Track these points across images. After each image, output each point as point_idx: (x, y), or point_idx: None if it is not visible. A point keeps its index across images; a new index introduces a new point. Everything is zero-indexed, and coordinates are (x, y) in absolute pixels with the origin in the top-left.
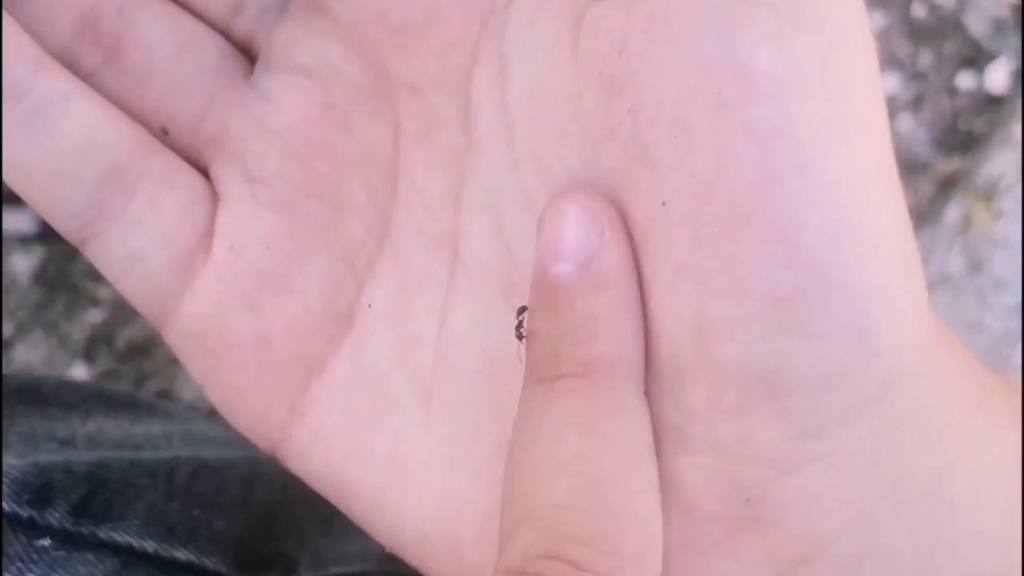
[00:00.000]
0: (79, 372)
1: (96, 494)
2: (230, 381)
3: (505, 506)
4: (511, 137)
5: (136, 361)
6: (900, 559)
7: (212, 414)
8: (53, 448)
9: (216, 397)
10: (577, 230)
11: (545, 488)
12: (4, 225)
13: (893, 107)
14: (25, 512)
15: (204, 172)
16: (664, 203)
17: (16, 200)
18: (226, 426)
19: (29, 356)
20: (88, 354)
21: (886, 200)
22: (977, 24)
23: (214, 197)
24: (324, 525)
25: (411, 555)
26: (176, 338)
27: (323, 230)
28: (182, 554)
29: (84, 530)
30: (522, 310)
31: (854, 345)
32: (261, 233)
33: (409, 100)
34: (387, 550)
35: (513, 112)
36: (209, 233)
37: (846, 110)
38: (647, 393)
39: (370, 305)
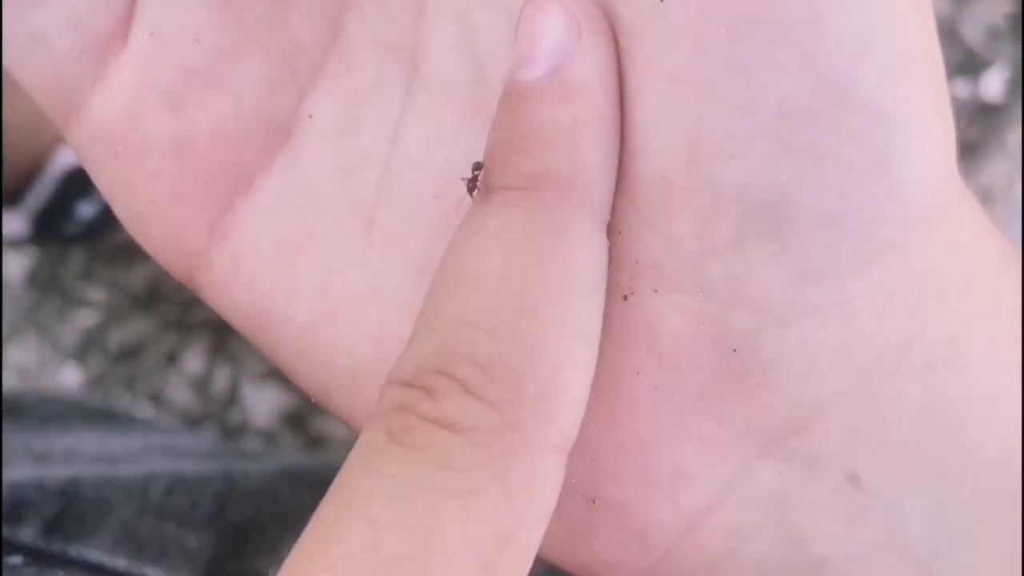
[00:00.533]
0: (71, 374)
1: (68, 511)
2: (142, 192)
3: (417, 318)
4: None
5: (128, 363)
6: (899, 435)
7: (200, 420)
8: (29, 464)
9: (125, 213)
10: (551, 32)
11: (455, 302)
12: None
13: None
14: None
15: None
16: (661, 0)
17: (8, 202)
18: (209, 437)
19: (22, 357)
20: (80, 356)
21: (918, 14)
22: (972, 32)
23: None
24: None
25: (339, 406)
26: (81, 139)
27: (262, 26)
28: (153, 572)
29: (55, 548)
30: (477, 166)
31: (873, 176)
32: (189, 21)
33: None
34: (311, 399)
35: None
36: (128, 18)
37: None
38: (622, 222)
39: (311, 116)
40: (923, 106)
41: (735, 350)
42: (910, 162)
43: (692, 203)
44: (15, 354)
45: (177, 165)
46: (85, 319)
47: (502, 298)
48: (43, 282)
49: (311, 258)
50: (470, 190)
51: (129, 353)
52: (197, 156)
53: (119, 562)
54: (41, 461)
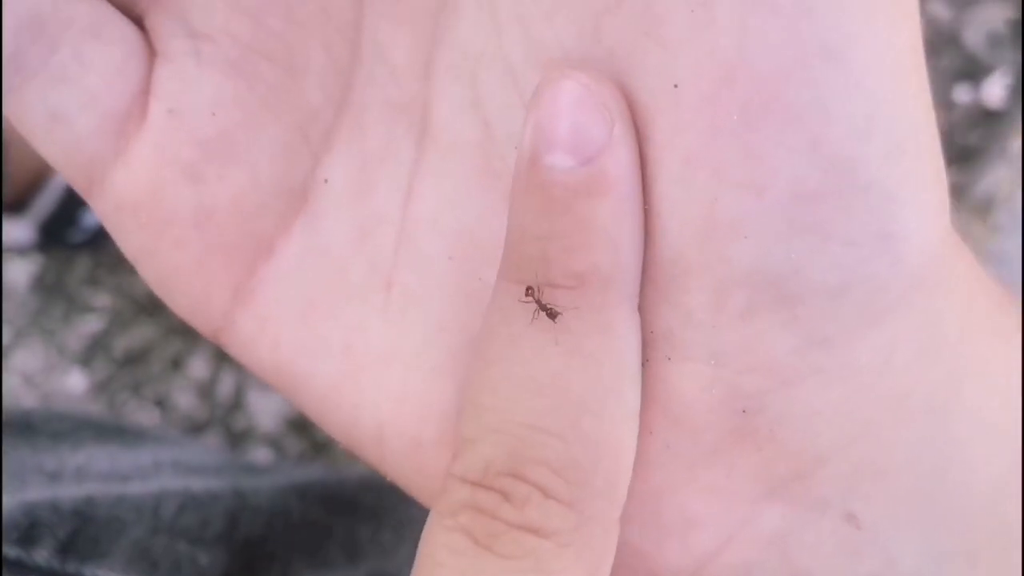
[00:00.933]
0: (76, 379)
1: (82, 531)
2: (167, 260)
3: (469, 410)
4: None
5: (133, 368)
6: (898, 477)
7: (205, 426)
8: (42, 482)
9: (152, 277)
10: (579, 117)
11: (519, 403)
12: (3, 235)
13: None
14: (13, 552)
15: (140, 23)
16: (676, 85)
17: (14, 210)
18: (216, 444)
19: (27, 363)
20: (85, 361)
21: (917, 93)
22: (974, 38)
23: (151, 53)
24: (309, 556)
25: (368, 455)
26: (106, 209)
27: (275, 95)
28: None
29: (70, 568)
30: (528, 291)
31: (878, 250)
32: (205, 96)
33: None
34: (343, 447)
35: None
36: (145, 93)
37: None
38: (641, 295)
39: (326, 181)
40: (922, 180)
41: (744, 411)
42: (911, 235)
43: (706, 278)
44: (21, 359)
45: (199, 234)
46: (90, 325)
47: (566, 401)
48: (48, 288)
49: (333, 319)
50: (544, 310)
51: (134, 359)
52: (218, 225)
53: None
54: (53, 480)
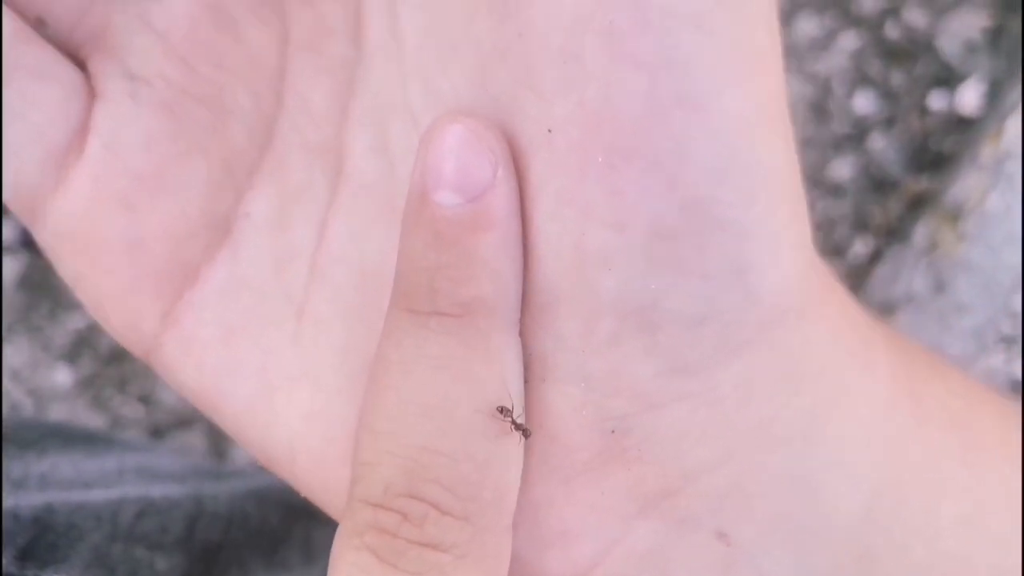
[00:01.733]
0: (62, 375)
1: (41, 538)
2: (101, 285)
3: (366, 435)
4: (401, 51)
5: (118, 365)
6: (763, 500)
7: (190, 421)
8: (7, 490)
9: (87, 300)
10: (466, 158)
11: (412, 427)
12: None
13: (865, 126)
14: None
15: (82, 67)
16: (550, 131)
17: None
18: (185, 449)
19: (13, 359)
20: (71, 358)
21: (775, 140)
22: (949, 45)
23: (91, 93)
24: (267, 559)
25: (282, 470)
26: (46, 237)
27: (204, 134)
28: None
29: (28, 573)
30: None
31: (732, 285)
32: (139, 133)
33: (299, 7)
34: (261, 463)
35: (404, 25)
36: (84, 130)
37: (740, 46)
38: (521, 321)
39: (248, 214)
40: (778, 220)
41: (613, 431)
42: (765, 272)
43: (576, 307)
44: (7, 355)
45: (130, 261)
46: (76, 321)
47: (455, 424)
48: (35, 285)
49: (250, 343)
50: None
51: (120, 355)
52: (148, 253)
53: None
54: (17, 487)
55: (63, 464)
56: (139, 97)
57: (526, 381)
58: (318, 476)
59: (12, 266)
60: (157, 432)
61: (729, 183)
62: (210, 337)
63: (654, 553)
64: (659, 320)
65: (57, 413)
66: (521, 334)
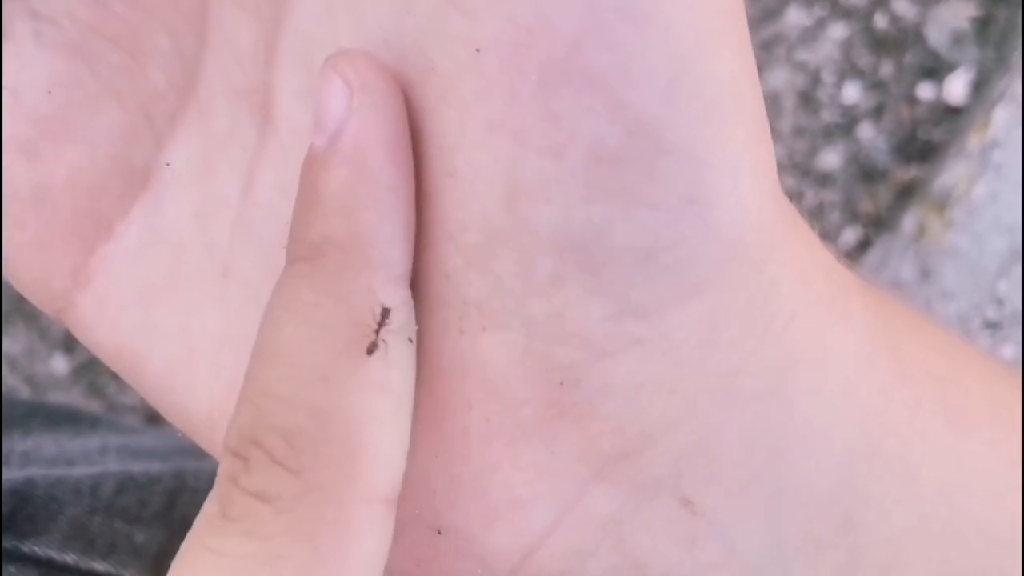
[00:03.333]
0: (59, 363)
1: (20, 510)
2: (8, 239)
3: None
4: None
5: None
6: (729, 461)
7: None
8: None
9: None
10: (323, 95)
11: (261, 372)
12: None
13: (854, 115)
14: None
15: None
16: (478, 50)
17: None
18: (171, 433)
19: (10, 347)
20: (67, 346)
21: (731, 58)
22: (937, 36)
23: None
24: None
25: (202, 440)
26: None
27: (118, 78)
28: (101, 566)
29: (7, 544)
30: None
31: (684, 215)
32: (42, 76)
33: None
34: (180, 434)
35: None
36: None
37: None
38: (449, 265)
39: (168, 164)
40: (735, 144)
41: (561, 383)
42: (722, 202)
43: (512, 244)
44: (4, 343)
45: (37, 213)
46: None
47: (295, 367)
48: None
49: (170, 303)
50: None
51: None
52: (56, 204)
53: (69, 557)
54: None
55: (46, 443)
56: (43, 37)
57: (464, 332)
58: None
59: None
60: (153, 419)
61: (677, 102)
62: (125, 296)
63: (611, 521)
64: (604, 257)
65: (54, 400)
66: (455, 279)
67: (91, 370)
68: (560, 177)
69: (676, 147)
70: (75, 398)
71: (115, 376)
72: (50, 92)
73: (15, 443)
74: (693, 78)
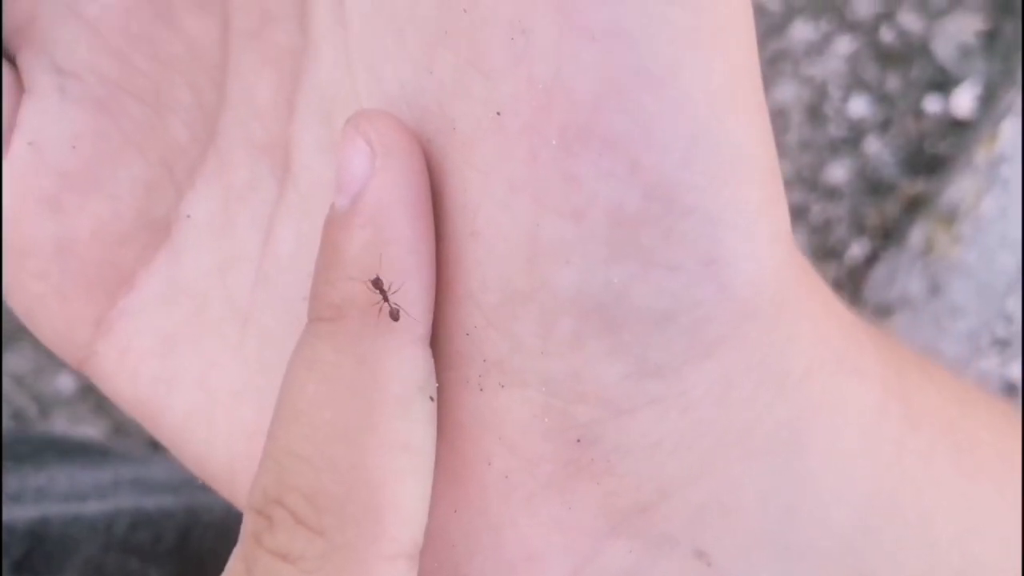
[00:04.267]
0: (65, 381)
1: (36, 550)
2: (30, 290)
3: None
4: (347, 38)
5: None
6: (748, 514)
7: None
8: (5, 504)
9: (18, 308)
10: (344, 155)
11: (284, 431)
12: None
13: (861, 129)
14: None
15: (13, 61)
16: (499, 113)
17: None
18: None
19: (17, 365)
20: None
21: (746, 119)
22: (944, 49)
23: (20, 90)
24: None
25: (221, 488)
26: None
27: (140, 131)
28: None
29: None
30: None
31: (702, 277)
32: (66, 131)
33: None
34: (199, 480)
35: (350, 11)
36: (11, 128)
37: (704, 16)
38: (469, 323)
39: (189, 216)
40: (751, 205)
41: (579, 440)
42: (738, 262)
43: (532, 305)
44: (11, 362)
45: (60, 265)
46: None
47: (317, 428)
48: None
49: (190, 353)
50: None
51: None
52: (78, 256)
53: None
54: (13, 501)
55: (59, 476)
56: (68, 92)
57: (483, 389)
58: None
59: None
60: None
61: (695, 165)
62: (146, 346)
63: (628, 574)
64: (623, 317)
65: (59, 419)
66: (476, 336)
67: (96, 390)
68: (581, 239)
69: (694, 209)
70: (81, 416)
71: None
72: (74, 147)
73: (29, 478)
74: (710, 140)
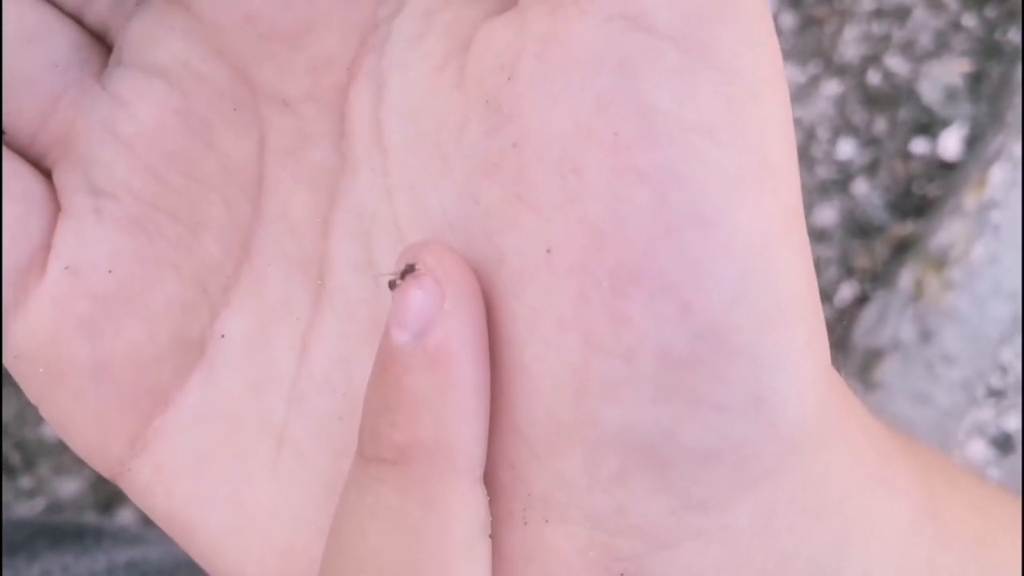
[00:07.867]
0: (49, 429)
1: None
2: (65, 408)
3: None
4: (386, 162)
5: None
6: None
7: None
8: None
9: (53, 422)
10: (410, 291)
11: None
12: None
13: (849, 171)
14: None
15: (49, 177)
16: (549, 250)
17: None
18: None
19: (3, 412)
20: None
21: (793, 257)
22: (930, 91)
23: (55, 207)
24: None
25: None
26: (7, 357)
27: (175, 250)
28: None
29: None
30: (409, 268)
31: (749, 416)
32: (102, 253)
33: (277, 113)
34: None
35: (388, 135)
36: (46, 248)
37: (753, 158)
38: (515, 457)
39: (223, 336)
40: (797, 344)
41: (623, 574)
42: (784, 401)
43: (579, 441)
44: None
45: (95, 386)
46: None
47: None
48: None
49: (224, 472)
50: (391, 285)
51: None
52: (114, 378)
53: None
54: None
55: (54, 567)
56: (104, 213)
57: (528, 522)
58: None
59: None
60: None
61: (744, 307)
62: (181, 464)
63: None
64: (670, 455)
65: (44, 468)
66: (521, 471)
67: None
68: (630, 379)
69: (742, 350)
70: (65, 464)
71: None
72: (110, 271)
73: (21, 571)
74: (758, 282)
